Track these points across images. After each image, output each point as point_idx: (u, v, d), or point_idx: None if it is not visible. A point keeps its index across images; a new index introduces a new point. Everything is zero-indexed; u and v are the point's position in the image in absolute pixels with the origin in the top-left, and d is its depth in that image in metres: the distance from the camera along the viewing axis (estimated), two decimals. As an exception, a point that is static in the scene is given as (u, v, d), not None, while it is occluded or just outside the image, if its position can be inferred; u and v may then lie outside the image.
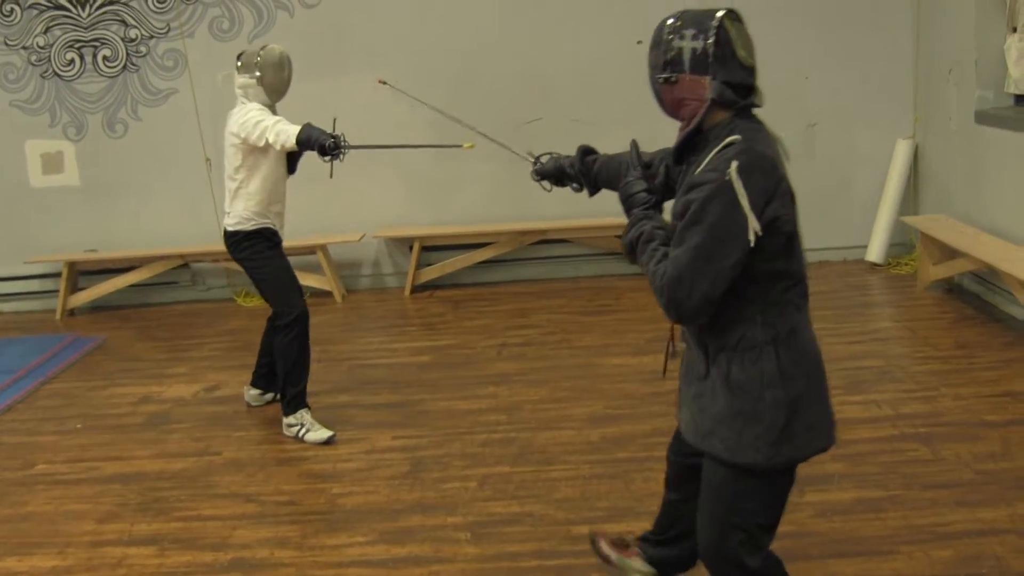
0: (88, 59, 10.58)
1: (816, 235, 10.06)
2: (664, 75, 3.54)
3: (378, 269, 10.90)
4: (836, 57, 10.06)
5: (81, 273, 10.93)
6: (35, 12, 10.51)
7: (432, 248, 10.74)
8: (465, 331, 9.18)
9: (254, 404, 7.62)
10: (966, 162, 9.10)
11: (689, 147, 3.60)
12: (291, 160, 7.01)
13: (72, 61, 10.59)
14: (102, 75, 10.60)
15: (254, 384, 7.60)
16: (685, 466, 4.19)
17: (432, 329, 9.39)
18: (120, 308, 10.81)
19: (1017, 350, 7.59)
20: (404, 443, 6.69)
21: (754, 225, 3.29)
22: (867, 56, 10.13)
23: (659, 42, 3.56)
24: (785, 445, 3.53)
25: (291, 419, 6.90)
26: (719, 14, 3.47)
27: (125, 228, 10.82)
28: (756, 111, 3.58)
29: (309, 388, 7.04)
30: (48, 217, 10.82)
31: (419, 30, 10.25)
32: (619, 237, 3.84)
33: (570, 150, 4.59)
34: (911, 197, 10.23)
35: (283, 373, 6.91)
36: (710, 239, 3.33)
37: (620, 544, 4.77)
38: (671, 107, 3.61)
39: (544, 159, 4.77)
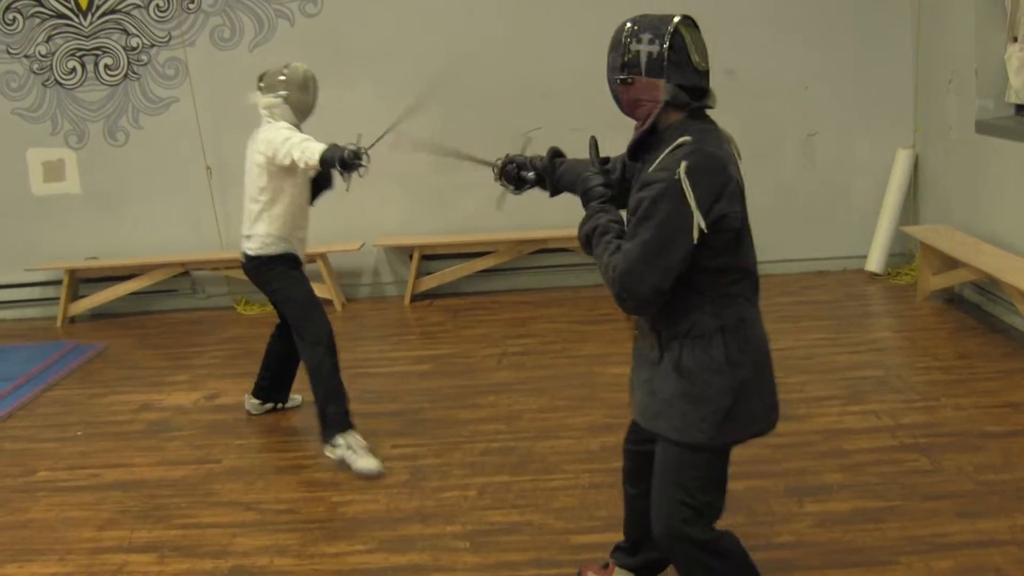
0: (89, 67, 10.60)
1: (816, 244, 10.20)
2: (621, 76, 3.72)
3: (378, 278, 10.90)
4: (836, 66, 10.07)
5: (82, 281, 10.94)
6: (37, 21, 10.53)
7: (432, 257, 10.75)
8: (465, 340, 9.18)
9: (254, 413, 7.58)
10: (966, 172, 9.10)
11: (644, 146, 3.77)
12: (314, 188, 6.90)
13: (74, 69, 10.60)
14: (103, 83, 10.62)
15: (255, 394, 7.57)
16: (641, 455, 4.35)
17: (432, 338, 9.39)
18: (121, 316, 10.81)
19: (1018, 360, 7.59)
20: (403, 452, 6.69)
21: (699, 223, 3.47)
22: (867, 65, 10.14)
23: (617, 44, 3.74)
24: (727, 427, 3.77)
25: (338, 439, 6.55)
26: (675, 20, 3.65)
27: (126, 236, 10.84)
28: (710, 112, 3.77)
29: (310, 395, 6.86)
30: (49, 225, 10.83)
31: (419, 39, 10.26)
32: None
33: (578, 155, 4.62)
34: (911, 207, 10.24)
35: (321, 394, 6.62)
36: (659, 235, 3.52)
37: (603, 567, 4.85)
38: (627, 107, 3.79)
39: (507, 163, 4.86)
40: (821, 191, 10.16)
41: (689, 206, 3.47)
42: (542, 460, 6.45)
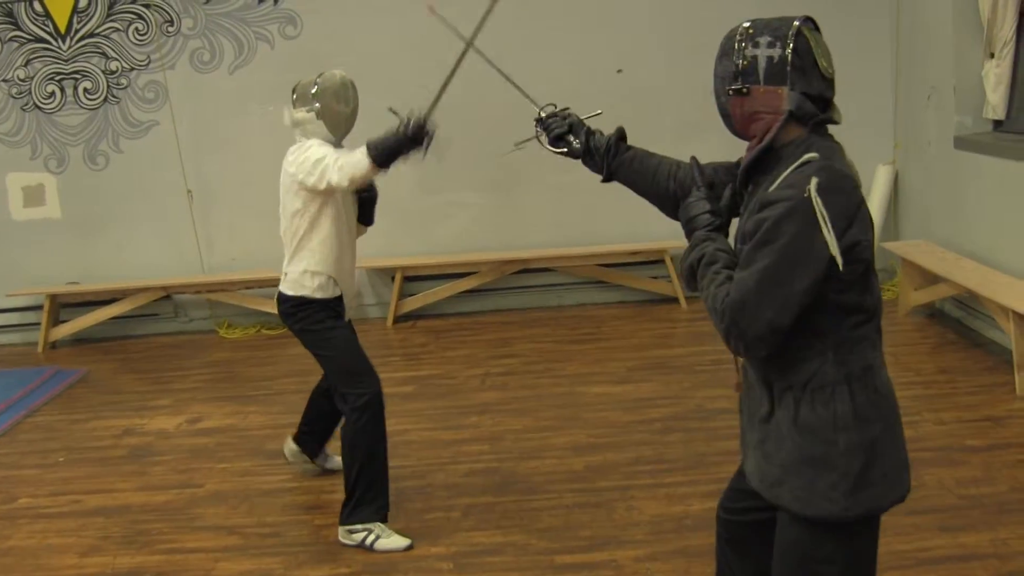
0: (69, 91, 10.59)
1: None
2: (736, 86, 3.26)
3: (360, 300, 10.89)
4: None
5: (63, 306, 10.90)
6: (15, 45, 10.51)
7: (414, 278, 10.74)
8: (448, 361, 9.17)
9: (291, 460, 6.76)
10: (946, 188, 9.14)
11: (759, 167, 3.30)
12: (364, 208, 6.21)
13: (53, 93, 10.59)
14: (83, 107, 10.61)
15: (298, 441, 6.71)
16: (741, 524, 3.73)
17: (414, 359, 9.38)
18: (102, 340, 10.78)
19: (999, 375, 7.61)
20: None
21: (834, 249, 3.00)
22: (846, 82, 10.04)
23: (730, 51, 3.28)
24: (862, 494, 3.20)
25: (358, 526, 5.77)
26: (797, 22, 3.25)
27: (107, 260, 10.81)
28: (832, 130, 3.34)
29: (296, 420, 6.72)
30: (29, 250, 10.80)
31: (399, 60, 10.26)
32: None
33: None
34: (892, 223, 10.27)
35: (354, 470, 5.75)
36: (781, 261, 3.03)
37: None
38: (741, 122, 3.31)
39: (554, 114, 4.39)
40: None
41: (819, 230, 2.99)
42: (526, 480, 6.45)
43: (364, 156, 5.38)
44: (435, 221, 10.60)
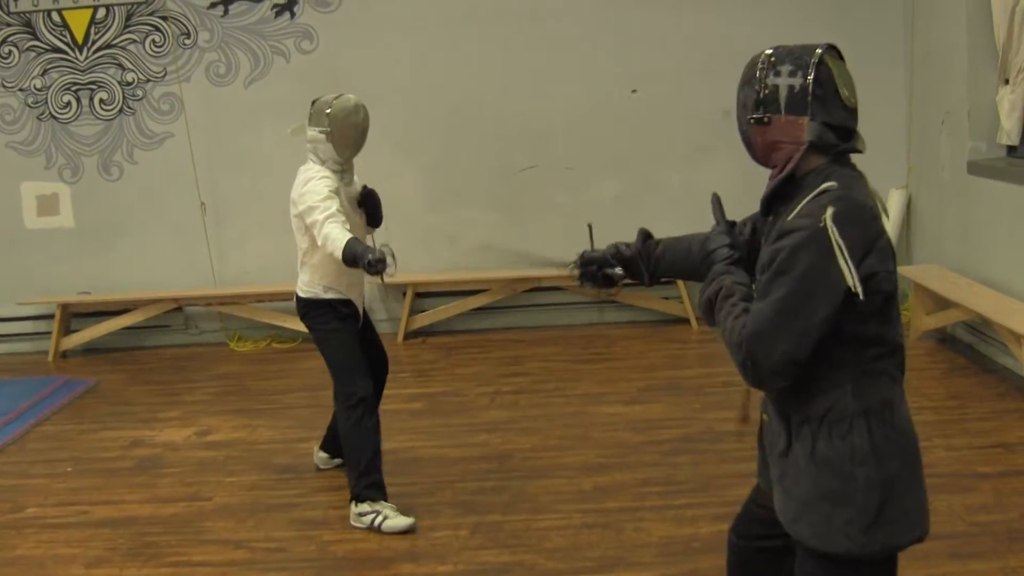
0: (85, 102, 10.63)
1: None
2: (756, 115, 3.24)
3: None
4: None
5: (74, 315, 10.92)
6: (33, 55, 10.56)
7: (425, 294, 10.74)
8: (457, 378, 9.16)
9: (322, 467, 7.12)
10: (959, 212, 9.13)
11: (780, 196, 3.26)
12: (367, 210, 6.58)
13: (69, 103, 10.63)
14: (98, 118, 10.64)
15: (323, 448, 7.12)
16: (752, 551, 3.72)
17: (424, 376, 9.37)
18: (113, 351, 10.79)
19: (1010, 401, 7.60)
20: (395, 490, 6.63)
21: (851, 278, 2.97)
22: (861, 106, 10.14)
23: (751, 79, 3.26)
24: (880, 531, 3.12)
25: (364, 507, 6.17)
26: (819, 50, 3.20)
27: (119, 271, 10.83)
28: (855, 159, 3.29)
29: (305, 434, 6.96)
30: (42, 259, 10.82)
31: (416, 76, 10.30)
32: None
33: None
34: (904, 247, 10.26)
35: (353, 463, 6.25)
36: (798, 291, 3.00)
37: None
38: (762, 151, 3.30)
39: (587, 255, 4.22)
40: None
41: (835, 259, 2.96)
42: (534, 500, 6.43)
43: (339, 248, 5.82)
44: (447, 238, 10.61)
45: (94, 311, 10.84)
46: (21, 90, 10.64)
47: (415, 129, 10.03)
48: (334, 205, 6.01)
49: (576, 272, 4.24)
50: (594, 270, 4.16)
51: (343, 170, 6.29)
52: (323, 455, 7.12)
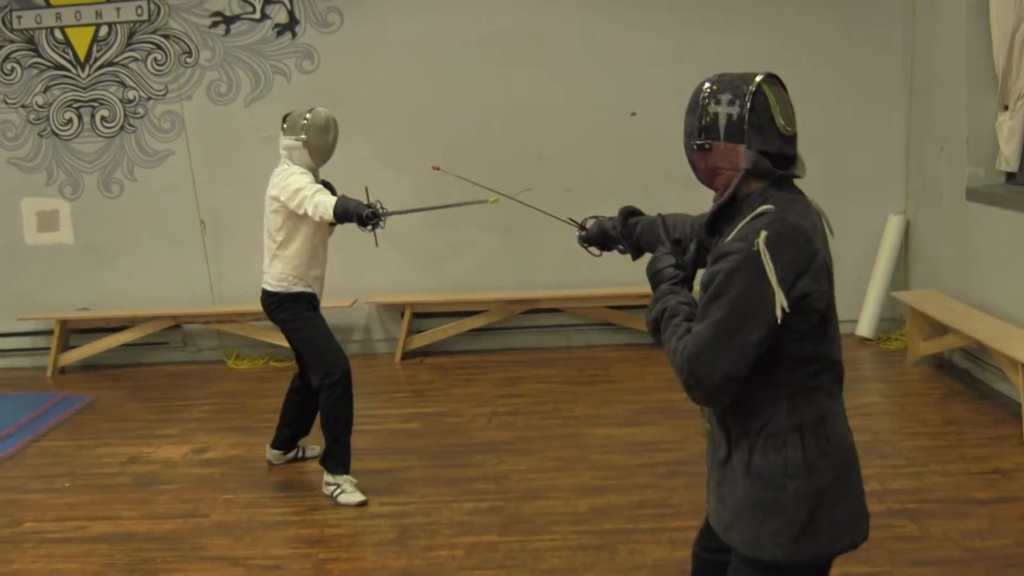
0: (86, 119, 10.66)
1: (807, 309, 10.20)
2: (699, 141, 3.35)
3: (368, 335, 10.91)
4: (828, 131, 10.11)
5: (73, 331, 10.94)
6: (35, 71, 10.60)
7: (423, 315, 10.76)
8: (455, 399, 9.17)
9: (275, 463, 7.65)
10: (957, 238, 9.15)
11: (722, 217, 3.38)
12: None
13: (70, 120, 10.66)
14: (99, 135, 10.67)
15: (275, 445, 7.65)
16: (711, 563, 3.81)
17: (421, 396, 9.39)
18: (111, 367, 10.80)
19: (1006, 427, 7.60)
20: (391, 510, 6.68)
21: (781, 300, 3.08)
22: (859, 132, 10.22)
23: (695, 107, 3.37)
24: (808, 541, 3.27)
25: (330, 478, 6.92)
26: (758, 78, 3.31)
27: (118, 288, 10.85)
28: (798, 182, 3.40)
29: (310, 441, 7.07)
30: (41, 275, 10.84)
31: (415, 97, 10.33)
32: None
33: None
34: (902, 273, 10.29)
35: (330, 434, 6.89)
36: (733, 313, 3.12)
37: None
38: (705, 175, 3.43)
39: (589, 223, 4.59)
40: (812, 255, 10.20)
41: (768, 281, 3.07)
42: (530, 521, 6.44)
43: (330, 206, 6.42)
44: (446, 259, 10.64)
45: (93, 327, 10.86)
46: (23, 107, 10.67)
47: (414, 149, 10.05)
48: (315, 183, 6.69)
49: (582, 232, 4.61)
50: (598, 238, 4.52)
51: (314, 177, 6.84)
52: (276, 452, 7.66)
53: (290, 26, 10.44)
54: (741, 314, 3.11)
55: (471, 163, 10.18)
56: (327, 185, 6.90)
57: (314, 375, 6.94)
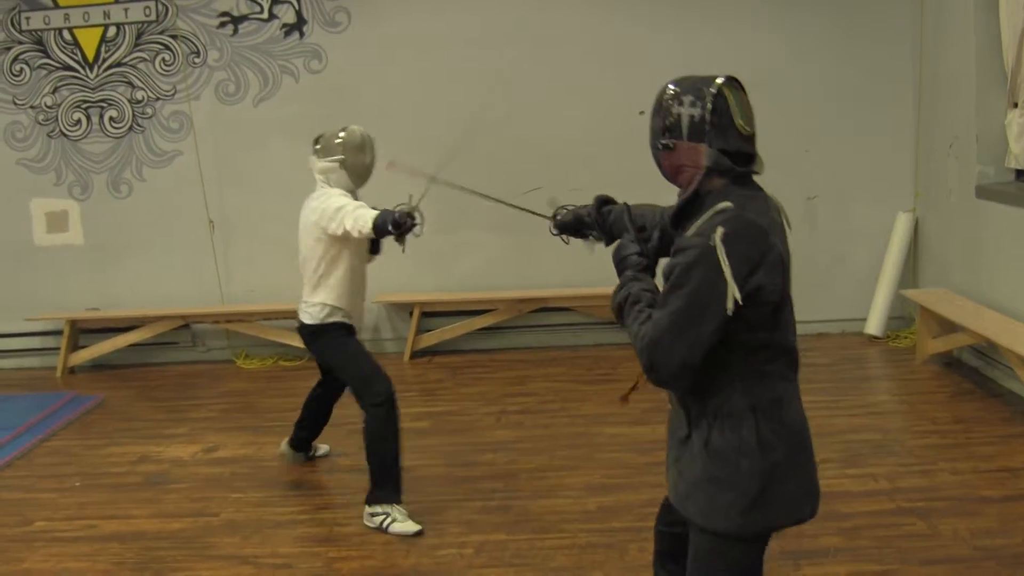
0: (95, 119, 10.67)
1: (815, 307, 10.20)
2: (663, 141, 3.54)
3: (377, 334, 10.91)
4: (836, 130, 10.11)
5: (82, 331, 10.95)
6: (44, 72, 10.61)
7: (432, 314, 10.77)
8: (463, 398, 9.18)
9: (291, 461, 7.59)
10: (966, 236, 9.14)
11: (686, 213, 3.53)
12: (374, 240, 6.83)
13: (79, 121, 10.68)
14: (108, 136, 10.69)
15: (291, 445, 7.55)
16: (673, 537, 4.02)
17: (430, 395, 9.39)
18: (120, 367, 10.81)
19: (1016, 425, 7.59)
20: (401, 508, 6.69)
21: (734, 294, 3.26)
22: (868, 129, 10.20)
23: (659, 108, 3.57)
24: (757, 513, 3.48)
25: (377, 508, 6.42)
26: (718, 81, 3.48)
27: (127, 288, 10.87)
28: (757, 178, 3.56)
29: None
30: (51, 275, 10.86)
31: (423, 97, 10.33)
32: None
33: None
34: (911, 270, 10.27)
35: (375, 460, 6.48)
36: (690, 304, 3.30)
37: None
38: (669, 173, 3.61)
39: (561, 213, 4.80)
40: (821, 254, 10.19)
41: (723, 275, 3.25)
42: (539, 519, 6.44)
43: (370, 219, 6.13)
44: (454, 258, 10.64)
45: (102, 327, 10.87)
46: (32, 107, 10.69)
47: (422, 149, 10.02)
48: (360, 203, 6.39)
49: (556, 219, 4.85)
50: (567, 217, 4.78)
51: (353, 199, 6.56)
52: (289, 450, 7.54)
53: (298, 26, 10.44)
54: (697, 305, 3.30)
55: (478, 161, 10.22)
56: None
57: (359, 400, 6.57)
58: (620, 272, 3.74)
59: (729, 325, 3.32)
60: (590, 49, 10.30)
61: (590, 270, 9.96)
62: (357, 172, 6.60)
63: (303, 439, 7.48)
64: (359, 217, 6.18)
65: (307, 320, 6.65)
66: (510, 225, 10.44)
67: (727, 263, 3.25)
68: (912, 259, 10.27)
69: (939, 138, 9.65)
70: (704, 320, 3.30)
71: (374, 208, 6.36)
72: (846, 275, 10.39)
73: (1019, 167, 8.50)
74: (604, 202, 4.56)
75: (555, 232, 4.82)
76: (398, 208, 6.07)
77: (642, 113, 10.60)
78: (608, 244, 4.39)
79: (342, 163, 6.53)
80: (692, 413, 3.56)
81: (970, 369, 9.01)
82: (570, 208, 4.79)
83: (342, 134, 6.60)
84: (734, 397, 3.47)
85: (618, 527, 6.23)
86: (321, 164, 6.58)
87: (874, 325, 10.18)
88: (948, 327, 8.86)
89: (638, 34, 10.22)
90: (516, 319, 10.66)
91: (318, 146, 6.63)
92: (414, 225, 6.12)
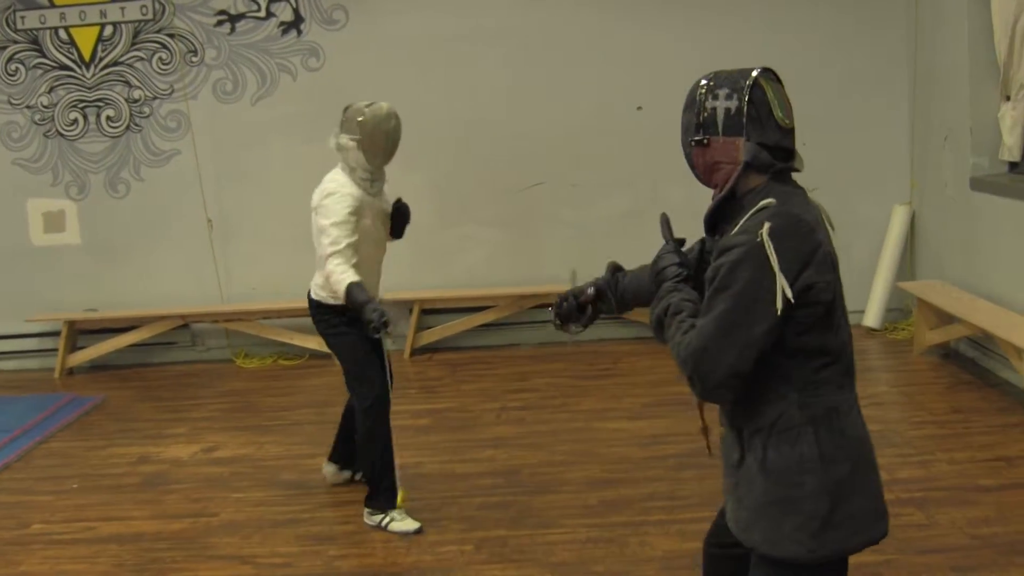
0: (91, 119, 10.67)
1: (813, 300, 10.21)
2: (697, 137, 3.36)
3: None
4: (833, 123, 10.10)
5: (81, 332, 10.94)
6: (39, 72, 10.61)
7: (432, 311, 10.77)
8: (464, 394, 9.19)
9: (330, 481, 7.11)
10: (962, 228, 9.16)
11: (723, 214, 3.36)
12: (394, 223, 6.64)
13: (75, 121, 10.67)
14: (105, 135, 10.68)
15: (332, 459, 7.11)
16: (723, 558, 3.79)
17: (431, 392, 9.39)
18: (119, 368, 10.81)
19: (1012, 415, 7.61)
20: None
21: (785, 291, 3.05)
22: (864, 122, 10.21)
23: (692, 103, 3.39)
24: (827, 536, 3.20)
25: (378, 513, 6.38)
26: (754, 73, 3.32)
27: (125, 288, 10.85)
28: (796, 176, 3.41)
29: (312, 451, 7.15)
30: (49, 276, 10.85)
31: (422, 94, 10.31)
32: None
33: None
34: (908, 263, 10.29)
35: (368, 465, 6.47)
36: (738, 306, 3.08)
37: None
38: (704, 172, 3.41)
39: (564, 305, 4.00)
40: (818, 247, 10.20)
41: (771, 273, 3.05)
42: (540, 515, 6.46)
43: (340, 290, 5.96)
44: (454, 255, 10.64)
45: (101, 328, 10.86)
46: (28, 107, 10.68)
47: (422, 146, 10.05)
48: (345, 236, 6.07)
49: (553, 310, 4.04)
50: (570, 303, 3.97)
51: (373, 179, 6.30)
52: (332, 468, 7.09)
53: (295, 24, 10.44)
54: (746, 306, 3.08)
55: (479, 159, 10.25)
56: (399, 211, 6.58)
57: (351, 395, 6.54)
58: (658, 285, 3.49)
59: (780, 328, 3.12)
60: (590, 45, 10.28)
61: (590, 266, 10.00)
62: (375, 152, 6.17)
63: (344, 452, 7.00)
64: (333, 272, 5.99)
65: (312, 295, 6.46)
66: (509, 221, 10.51)
67: (776, 258, 3.06)
68: (909, 251, 10.28)
69: (934, 131, 9.66)
70: (754, 321, 3.08)
71: (403, 220, 6.46)
72: (844, 267, 10.15)
73: (1012, 159, 8.51)
74: (617, 268, 4.02)
75: (557, 325, 4.06)
76: (373, 311, 5.82)
77: (640, 109, 10.68)
78: (620, 311, 3.96)
79: (359, 143, 6.13)
80: (744, 432, 3.32)
81: (967, 360, 9.03)
82: (578, 287, 4.02)
83: (367, 110, 6.17)
84: (790, 410, 3.22)
85: (619, 521, 6.25)
86: (340, 140, 6.20)
87: (872, 317, 10.19)
88: (945, 318, 8.89)
89: (637, 30, 10.22)
90: (516, 315, 10.65)
91: (343, 119, 6.26)
92: (384, 329, 5.87)
